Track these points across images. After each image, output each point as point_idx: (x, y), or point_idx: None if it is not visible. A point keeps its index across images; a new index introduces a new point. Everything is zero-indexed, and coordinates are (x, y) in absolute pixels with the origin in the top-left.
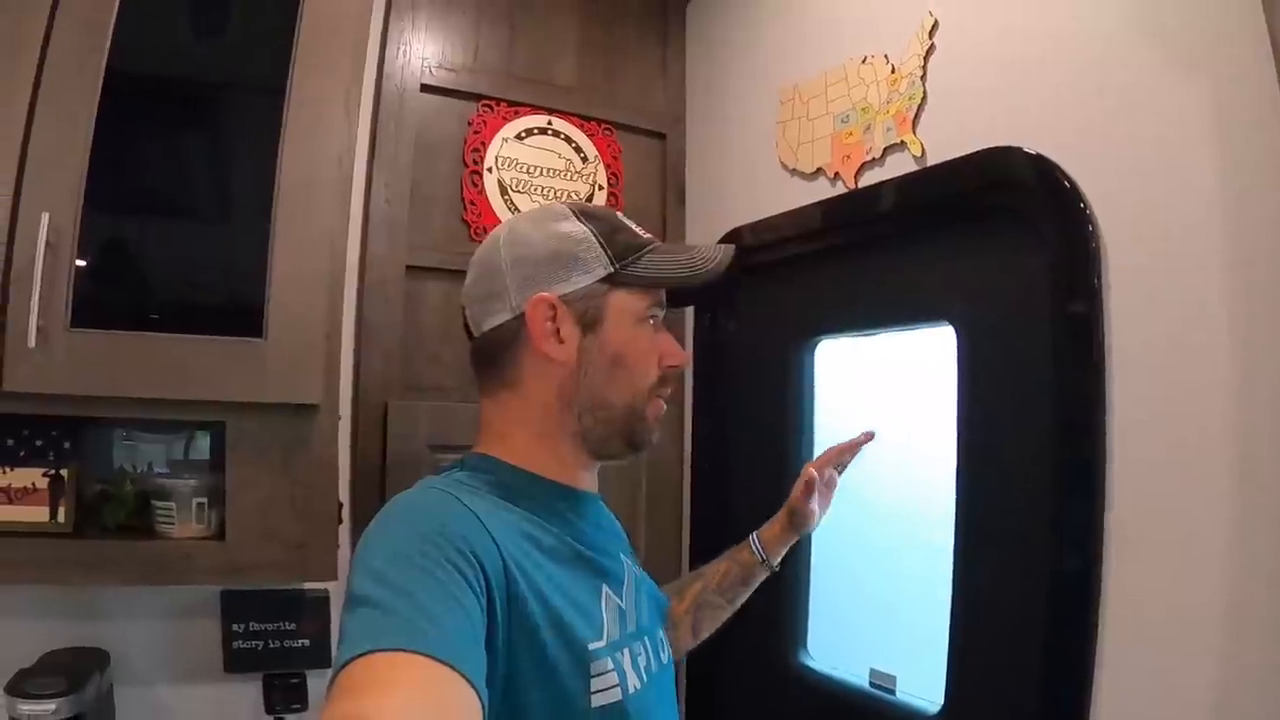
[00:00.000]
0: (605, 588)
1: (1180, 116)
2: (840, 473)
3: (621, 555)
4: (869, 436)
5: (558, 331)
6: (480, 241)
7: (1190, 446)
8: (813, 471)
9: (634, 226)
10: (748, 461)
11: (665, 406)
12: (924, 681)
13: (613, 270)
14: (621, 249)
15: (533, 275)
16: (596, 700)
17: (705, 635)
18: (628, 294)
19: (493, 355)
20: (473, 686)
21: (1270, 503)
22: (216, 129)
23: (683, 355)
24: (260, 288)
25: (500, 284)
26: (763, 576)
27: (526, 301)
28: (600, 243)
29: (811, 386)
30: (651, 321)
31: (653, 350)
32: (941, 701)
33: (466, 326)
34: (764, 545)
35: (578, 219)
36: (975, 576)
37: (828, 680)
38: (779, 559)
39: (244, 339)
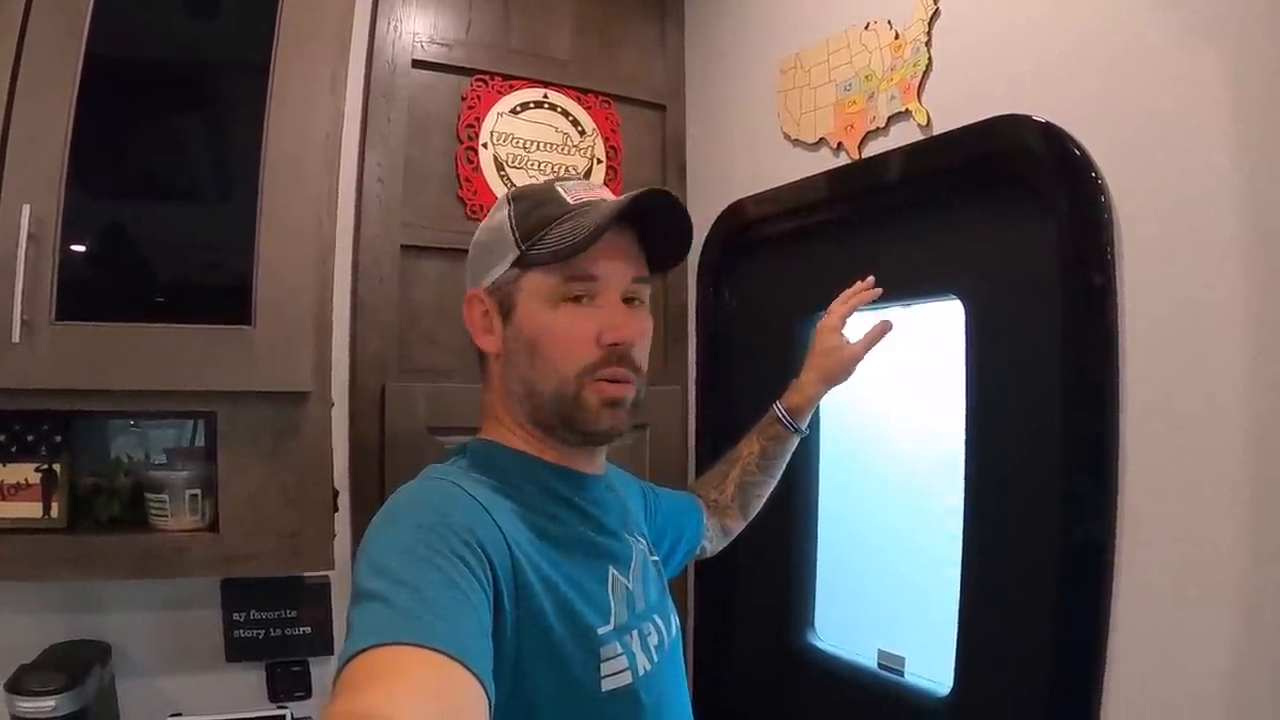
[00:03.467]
0: (612, 570)
1: (1195, 83)
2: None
3: (628, 533)
4: (885, 325)
5: (491, 324)
6: (477, 219)
7: (1204, 420)
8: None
9: (564, 196)
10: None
11: (624, 391)
12: (933, 662)
13: (519, 253)
14: (531, 228)
15: (471, 270)
16: (607, 685)
17: (755, 511)
18: (539, 274)
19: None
20: (478, 679)
21: None
22: (199, 113)
23: (624, 330)
24: (248, 274)
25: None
26: (796, 442)
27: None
28: (512, 225)
29: None
30: (584, 300)
31: (579, 330)
32: (951, 683)
33: None
34: (794, 416)
35: (507, 203)
36: (985, 555)
37: (836, 661)
38: (807, 422)
39: (232, 327)
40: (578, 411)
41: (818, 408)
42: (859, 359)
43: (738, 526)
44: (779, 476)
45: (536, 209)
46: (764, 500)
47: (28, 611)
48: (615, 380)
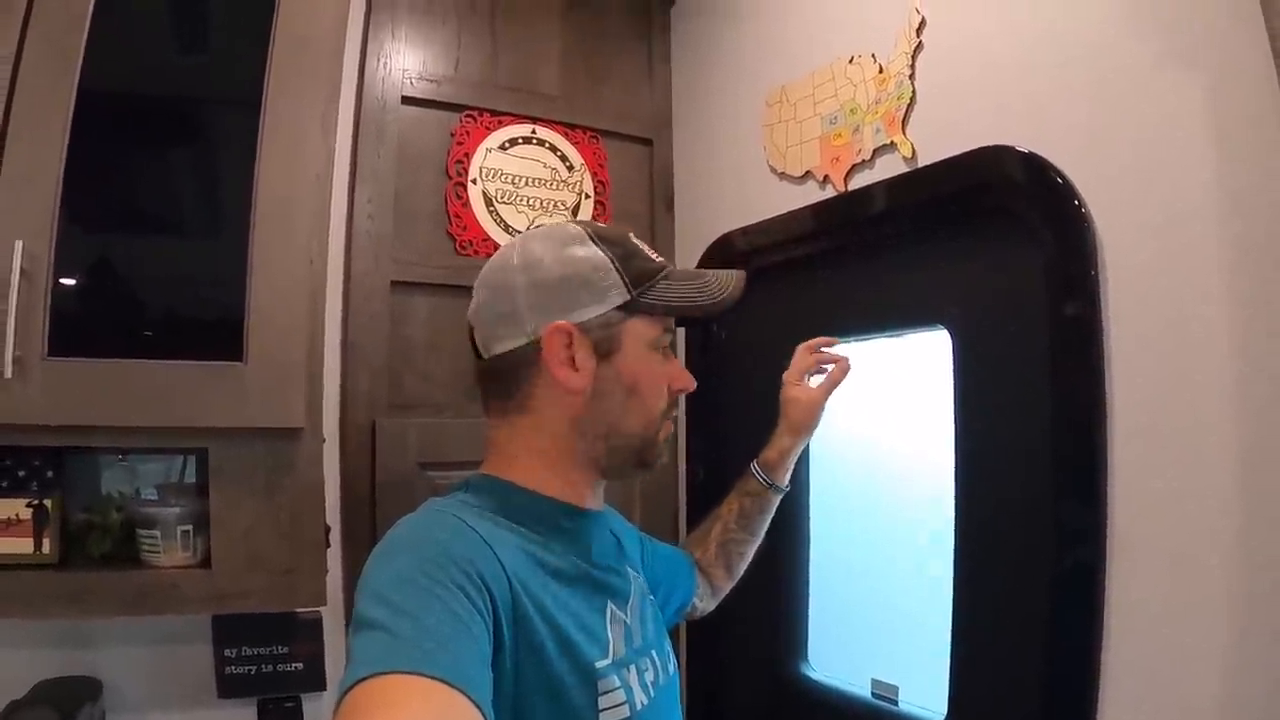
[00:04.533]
0: (611, 605)
1: (1176, 113)
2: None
3: (628, 569)
4: (844, 365)
5: (573, 359)
6: (467, 255)
7: (1191, 447)
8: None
9: (647, 250)
10: (742, 469)
11: (671, 428)
12: (927, 691)
13: (630, 298)
14: (637, 275)
15: (549, 301)
16: (604, 718)
17: (741, 570)
18: (642, 321)
19: (503, 379)
20: (478, 708)
21: (1272, 502)
22: (192, 150)
23: (690, 379)
24: (239, 311)
25: (513, 307)
26: (778, 500)
27: (544, 328)
28: (618, 269)
29: None
30: (662, 349)
31: (664, 376)
32: (945, 710)
33: (475, 346)
34: (768, 471)
35: (594, 243)
36: (977, 583)
37: (829, 691)
38: (787, 478)
39: (224, 363)
40: (652, 447)
41: (805, 459)
42: (821, 404)
43: (724, 585)
44: (762, 535)
45: (632, 257)
46: (748, 559)
47: (17, 647)
48: (672, 419)
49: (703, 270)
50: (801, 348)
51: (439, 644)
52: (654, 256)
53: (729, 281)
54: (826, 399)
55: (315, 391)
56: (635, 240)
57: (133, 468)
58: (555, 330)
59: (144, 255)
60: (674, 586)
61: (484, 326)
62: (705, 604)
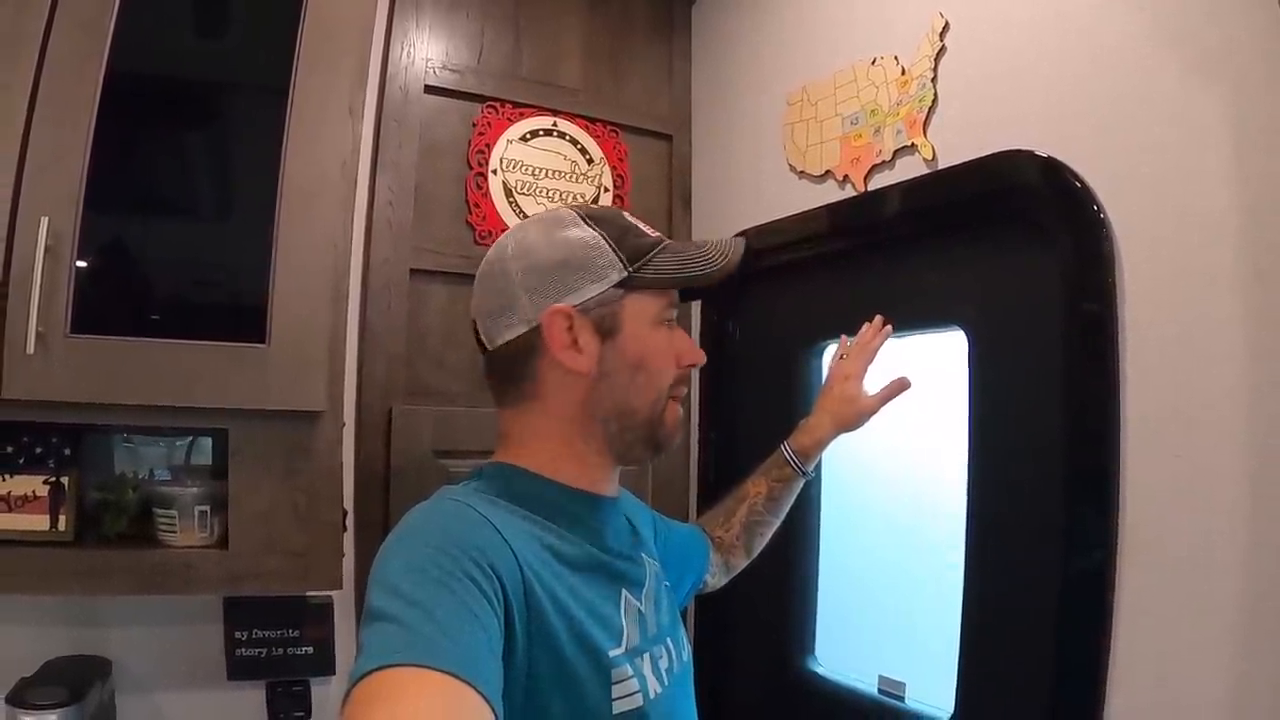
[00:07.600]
0: (625, 593)
1: (1197, 122)
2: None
3: (644, 556)
4: (905, 383)
5: (575, 342)
6: (486, 245)
7: (1204, 452)
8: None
9: (641, 225)
10: (754, 463)
11: (680, 409)
12: (934, 688)
13: (627, 274)
14: (633, 251)
15: (545, 285)
16: (618, 707)
17: (759, 549)
18: (643, 297)
19: (510, 369)
20: (488, 701)
21: None
22: (219, 132)
23: (700, 353)
24: (263, 293)
25: (512, 296)
26: (802, 484)
27: (542, 313)
28: (612, 247)
29: None
30: (667, 322)
31: (670, 351)
32: (952, 709)
33: (479, 341)
34: (802, 457)
35: (586, 224)
36: (986, 582)
37: (836, 687)
38: (814, 465)
39: (247, 345)
40: (660, 427)
41: None
42: (874, 412)
43: (741, 563)
44: (784, 516)
45: (626, 234)
46: (768, 539)
47: (29, 624)
48: (680, 400)
49: (700, 240)
50: (857, 345)
51: (449, 636)
52: (649, 231)
53: (727, 248)
54: (880, 408)
55: (336, 375)
56: (629, 217)
57: (152, 448)
58: (554, 313)
59: (168, 235)
60: (688, 567)
61: (485, 318)
62: (717, 580)
